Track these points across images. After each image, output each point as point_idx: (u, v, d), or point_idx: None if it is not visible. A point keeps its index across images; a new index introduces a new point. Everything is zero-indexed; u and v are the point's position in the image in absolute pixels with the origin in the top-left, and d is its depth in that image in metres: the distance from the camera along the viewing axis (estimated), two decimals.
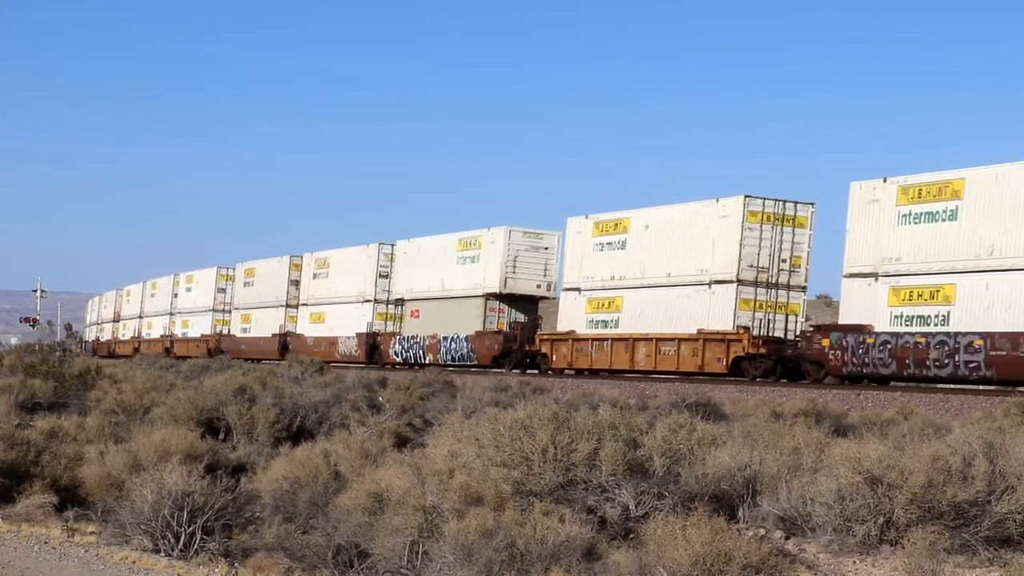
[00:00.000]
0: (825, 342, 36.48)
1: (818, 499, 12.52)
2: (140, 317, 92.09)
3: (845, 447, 13.45)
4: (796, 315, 40.03)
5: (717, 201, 40.85)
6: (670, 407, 22.54)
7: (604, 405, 17.19)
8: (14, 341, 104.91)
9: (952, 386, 33.96)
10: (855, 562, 12.02)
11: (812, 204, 40.26)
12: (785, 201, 40.10)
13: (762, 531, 12.76)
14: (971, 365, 32.47)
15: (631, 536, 12.32)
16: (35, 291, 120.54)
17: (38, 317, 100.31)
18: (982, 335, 32.10)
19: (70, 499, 15.64)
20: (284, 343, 65.63)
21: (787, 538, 12.72)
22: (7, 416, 21.68)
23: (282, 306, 68.12)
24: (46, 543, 13.88)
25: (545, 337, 47.40)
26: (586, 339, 44.62)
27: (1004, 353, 31.51)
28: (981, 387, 33.47)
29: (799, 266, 40.19)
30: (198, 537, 13.32)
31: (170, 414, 21.02)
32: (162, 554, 13.21)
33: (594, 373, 44.06)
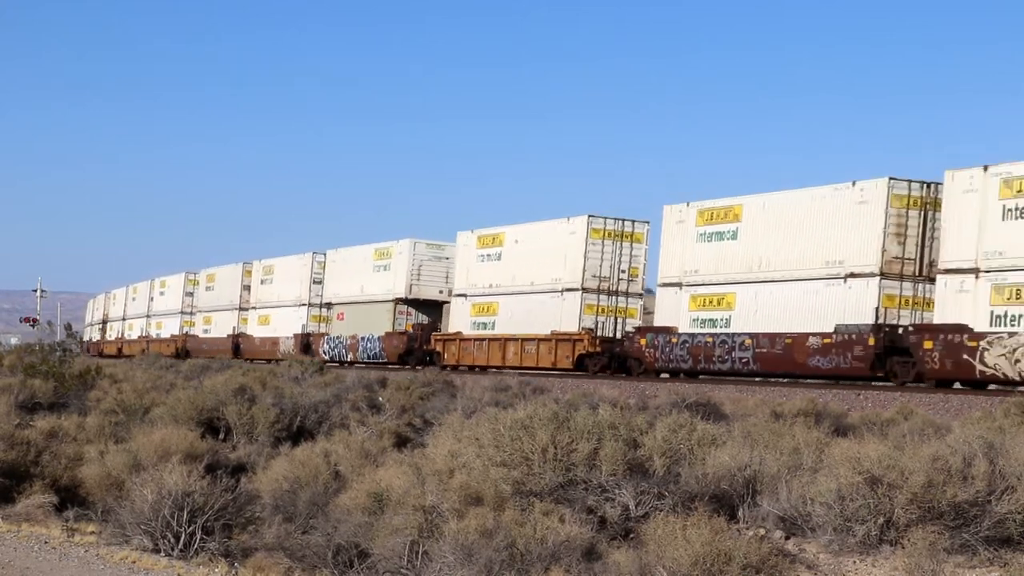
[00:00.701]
0: (643, 341, 43.26)
1: (818, 499, 12.52)
2: (123, 319, 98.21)
3: (845, 447, 13.45)
4: (633, 318, 46.87)
5: (568, 220, 48.16)
6: (670, 407, 22.54)
7: (604, 405, 17.20)
8: (14, 341, 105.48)
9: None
10: (855, 562, 12.02)
11: (647, 222, 47.48)
12: (624, 220, 47.41)
13: (762, 531, 12.76)
14: (743, 360, 39.35)
15: (631, 536, 12.32)
16: (35, 291, 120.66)
17: (38, 317, 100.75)
18: (751, 335, 38.88)
19: (70, 499, 15.63)
20: (236, 343, 71.78)
21: (787, 538, 12.72)
22: (7, 416, 21.67)
23: (236, 309, 74.46)
24: (46, 543, 13.88)
25: (439, 337, 54.54)
26: (470, 339, 51.79)
27: (765, 350, 38.39)
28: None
29: (636, 276, 47.36)
30: (198, 537, 13.32)
31: (170, 414, 21.01)
32: (162, 554, 13.21)
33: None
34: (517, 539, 11.33)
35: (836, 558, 12.12)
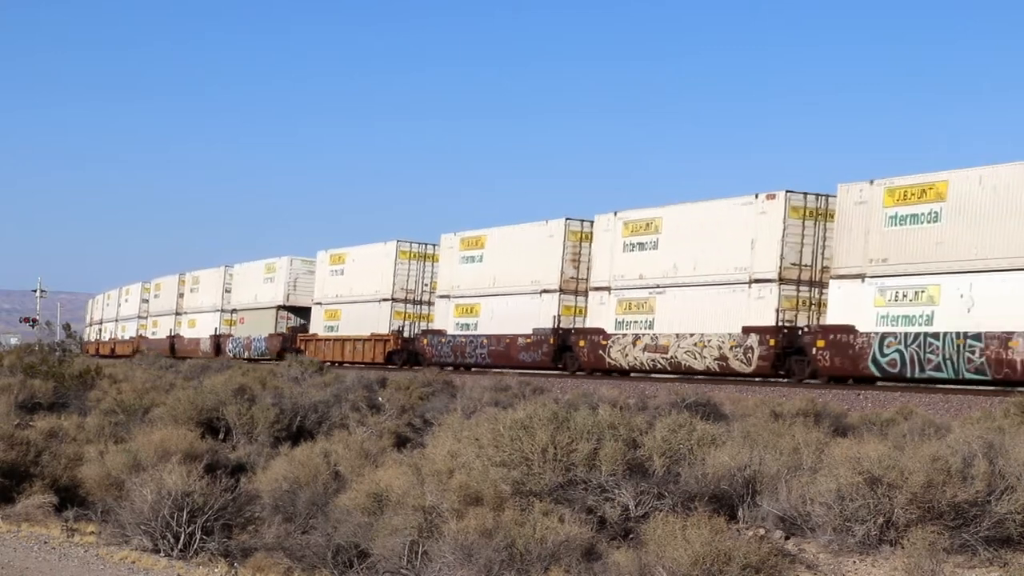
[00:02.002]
0: (424, 341, 55.37)
1: (818, 499, 12.52)
2: (101, 322, 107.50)
3: (845, 447, 13.46)
4: (430, 322, 56.88)
5: (384, 244, 60.44)
6: (670, 407, 22.54)
7: (604, 405, 17.20)
8: (14, 341, 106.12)
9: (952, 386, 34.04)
10: (855, 562, 12.02)
11: (436, 244, 57.27)
12: (426, 244, 59.33)
13: (762, 531, 12.76)
14: (482, 355, 51.19)
15: (631, 536, 12.32)
16: (35, 291, 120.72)
17: (38, 317, 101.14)
18: (487, 336, 51.15)
19: (70, 499, 15.63)
20: (172, 343, 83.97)
21: (787, 538, 12.72)
22: (7, 416, 21.68)
23: (173, 314, 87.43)
24: (46, 543, 13.88)
25: (303, 338, 66.28)
26: (322, 339, 64.03)
27: (494, 348, 50.30)
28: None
29: (435, 288, 57.15)
30: (198, 537, 13.32)
31: (170, 414, 21.00)
32: (162, 554, 13.21)
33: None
34: (517, 539, 11.33)
35: (836, 558, 12.12)
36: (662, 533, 10.96)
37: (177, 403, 21.73)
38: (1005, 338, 31.44)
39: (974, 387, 32.81)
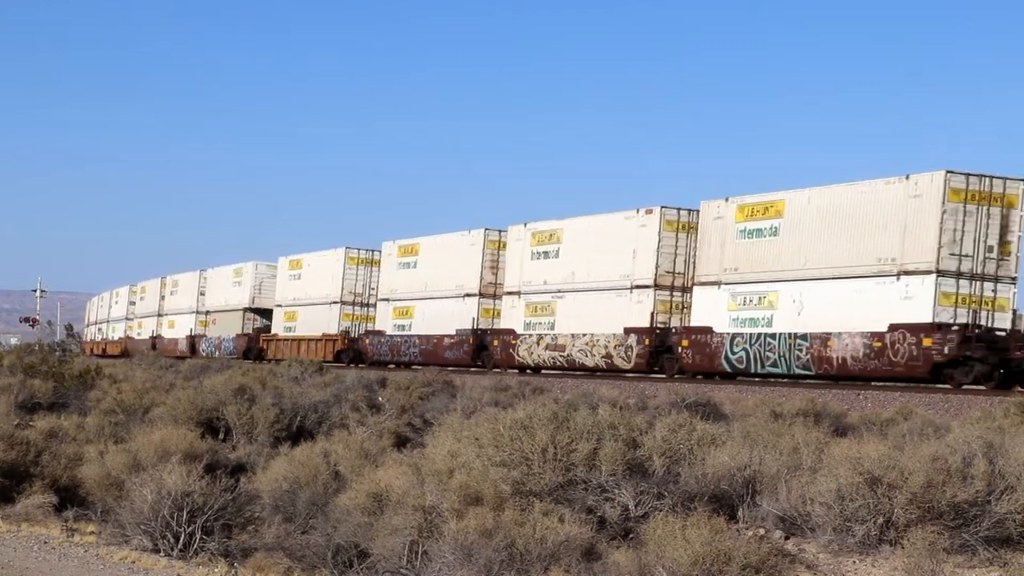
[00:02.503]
0: (367, 340, 60.51)
1: (818, 499, 12.51)
2: (108, 322, 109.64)
3: (845, 447, 13.45)
4: (372, 323, 62.40)
5: (335, 250, 65.91)
6: (669, 407, 22.54)
7: (604, 405, 17.20)
8: (14, 341, 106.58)
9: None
10: (855, 562, 12.02)
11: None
12: (373, 250, 64.30)
13: (762, 531, 12.76)
14: (414, 353, 56.32)
15: (631, 536, 12.32)
16: (35, 291, 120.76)
17: (38, 317, 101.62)
18: (419, 336, 56.24)
19: (70, 499, 15.63)
20: (154, 343, 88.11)
21: (787, 538, 12.72)
22: (7, 416, 21.68)
23: (155, 315, 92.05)
24: (46, 543, 13.88)
25: (265, 338, 71.79)
26: (281, 339, 69.43)
27: (425, 346, 55.42)
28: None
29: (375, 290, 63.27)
30: (198, 537, 13.32)
31: (170, 414, 21.00)
32: (162, 554, 13.21)
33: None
34: (517, 539, 11.33)
35: (836, 558, 12.12)
36: (662, 533, 10.96)
37: (177, 403, 21.73)
38: (825, 338, 36.43)
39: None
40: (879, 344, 34.95)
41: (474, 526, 11.46)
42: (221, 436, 20.59)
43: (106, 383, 31.09)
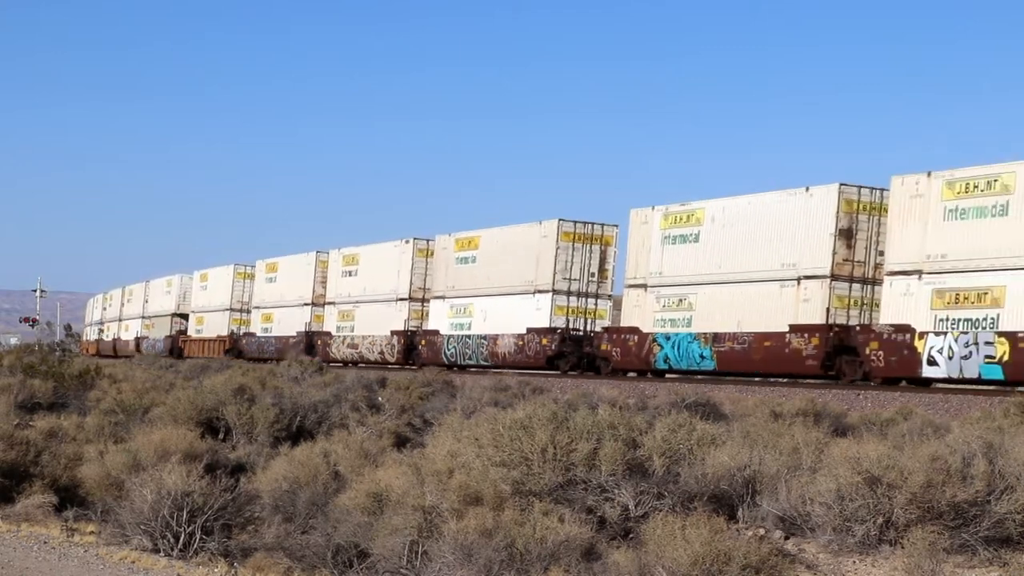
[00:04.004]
0: (243, 340, 73.78)
1: (818, 499, 12.51)
2: (101, 323, 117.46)
3: (845, 447, 13.45)
4: (248, 326, 75.43)
5: (229, 266, 79.27)
6: (669, 407, 22.53)
7: (603, 405, 17.19)
8: (14, 341, 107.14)
9: (953, 386, 34.06)
10: (855, 562, 12.03)
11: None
12: (251, 265, 77.19)
13: (762, 531, 12.76)
14: (271, 349, 68.41)
15: (631, 536, 12.32)
16: (35, 291, 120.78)
17: (38, 317, 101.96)
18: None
19: (70, 499, 15.63)
20: (115, 345, 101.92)
21: (787, 538, 12.72)
22: (7, 416, 21.68)
23: (116, 320, 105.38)
24: (46, 543, 13.87)
25: (183, 338, 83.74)
26: (193, 339, 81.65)
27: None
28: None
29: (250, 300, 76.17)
30: (197, 537, 13.31)
31: (170, 414, 21.00)
32: (162, 554, 13.21)
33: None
34: (517, 539, 11.33)
35: (836, 558, 12.12)
36: (662, 533, 10.96)
37: (177, 403, 21.73)
38: (495, 338, 50.77)
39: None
40: (521, 342, 49.64)
41: (474, 526, 11.46)
42: (221, 436, 20.58)
43: (106, 383, 31.09)
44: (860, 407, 29.74)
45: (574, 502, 12.72)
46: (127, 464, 15.63)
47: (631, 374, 44.78)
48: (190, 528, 13.34)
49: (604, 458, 13.31)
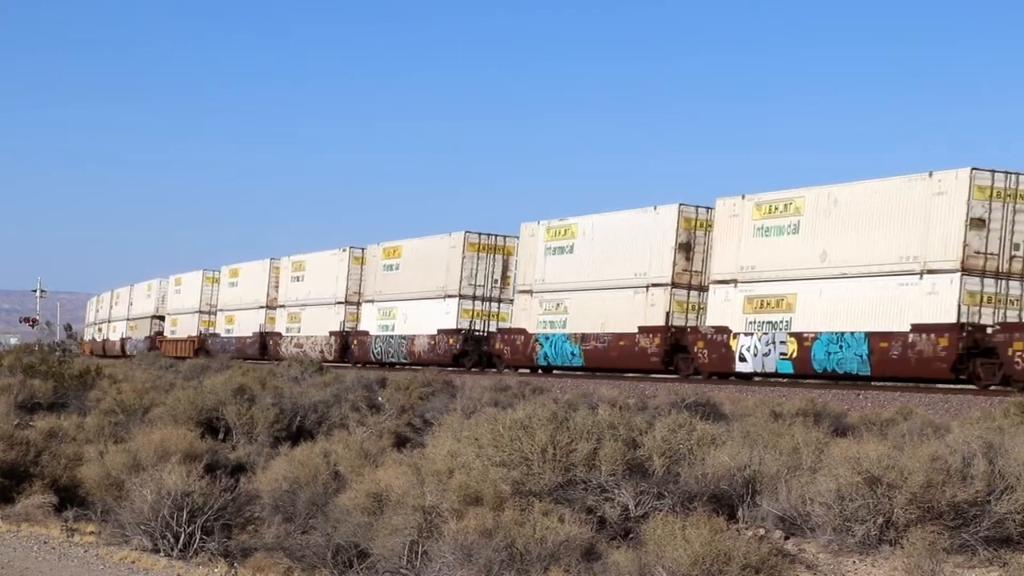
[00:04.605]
0: (209, 340, 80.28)
1: (817, 499, 12.51)
2: (95, 324, 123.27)
3: (845, 447, 13.45)
4: (214, 327, 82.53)
5: (197, 272, 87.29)
6: (669, 407, 22.53)
7: (603, 405, 17.19)
8: (14, 341, 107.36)
9: (954, 387, 34.05)
10: (855, 562, 12.03)
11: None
12: (217, 270, 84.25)
13: (762, 531, 12.76)
14: (231, 348, 75.12)
15: (631, 536, 12.32)
16: (35, 291, 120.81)
17: (38, 317, 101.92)
18: (235, 337, 77.70)
19: (70, 499, 15.63)
20: (103, 345, 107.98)
21: (786, 538, 12.72)
22: (7, 416, 21.67)
23: (106, 322, 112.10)
24: (46, 543, 13.87)
25: (159, 338, 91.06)
26: (168, 340, 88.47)
27: (237, 345, 75.82)
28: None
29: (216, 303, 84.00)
30: (197, 537, 13.32)
31: (170, 414, 20.99)
32: (162, 554, 13.21)
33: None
34: (517, 539, 11.33)
35: (836, 558, 12.12)
36: (662, 533, 10.96)
37: (177, 403, 21.72)
38: (412, 338, 57.88)
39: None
40: (433, 342, 56.08)
41: (474, 526, 11.46)
42: (221, 436, 20.58)
43: (106, 383, 31.09)
44: (860, 407, 29.74)
45: (574, 502, 12.72)
46: (127, 464, 15.63)
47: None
48: (190, 528, 13.34)
49: (604, 458, 13.31)
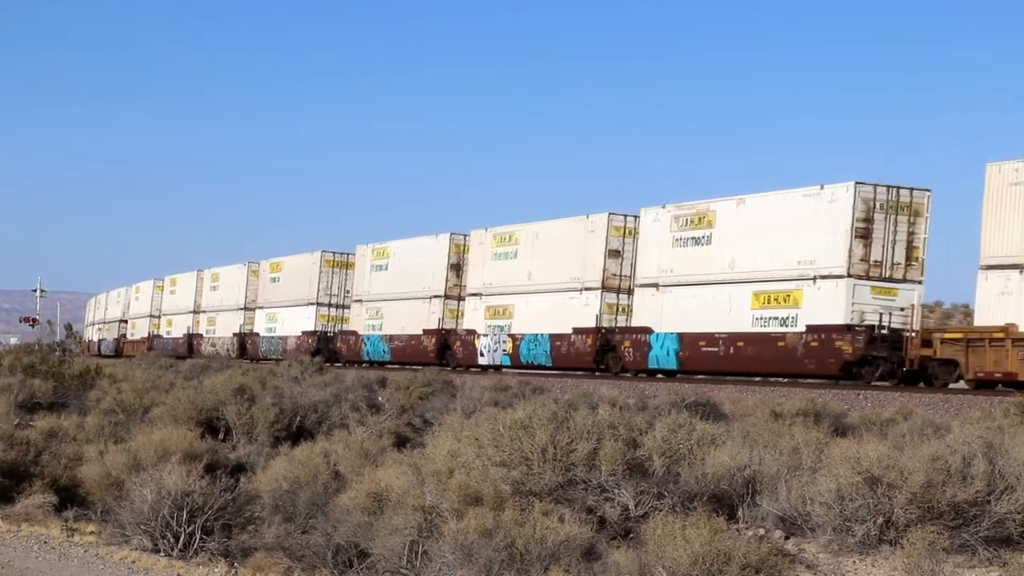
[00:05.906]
0: (153, 340, 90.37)
1: (818, 499, 12.51)
2: (93, 324, 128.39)
3: (845, 447, 13.45)
4: (158, 329, 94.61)
5: (148, 281, 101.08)
6: (669, 407, 22.53)
7: (604, 405, 17.20)
8: (14, 341, 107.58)
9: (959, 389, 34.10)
10: (855, 562, 12.03)
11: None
12: (164, 279, 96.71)
13: (762, 531, 12.76)
14: (175, 347, 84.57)
15: (631, 536, 12.32)
16: (35, 291, 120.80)
17: (38, 317, 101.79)
18: (172, 337, 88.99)
19: (70, 499, 15.63)
20: (88, 346, 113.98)
21: (787, 538, 12.72)
22: (7, 416, 21.67)
23: (91, 324, 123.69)
24: (46, 543, 13.87)
25: (123, 340, 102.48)
26: (129, 341, 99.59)
27: (173, 345, 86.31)
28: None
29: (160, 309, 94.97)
30: (198, 537, 13.32)
31: (170, 414, 21.00)
32: (162, 554, 13.21)
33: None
34: (517, 539, 11.33)
35: (836, 558, 12.12)
36: (662, 533, 10.96)
37: (177, 403, 21.73)
38: (285, 338, 70.44)
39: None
40: (298, 341, 68.44)
41: (474, 526, 11.46)
42: (221, 436, 20.58)
43: (106, 383, 31.09)
44: (860, 407, 29.74)
45: (574, 502, 12.72)
46: (127, 464, 15.63)
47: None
48: (190, 528, 13.34)
49: (604, 458, 13.31)
